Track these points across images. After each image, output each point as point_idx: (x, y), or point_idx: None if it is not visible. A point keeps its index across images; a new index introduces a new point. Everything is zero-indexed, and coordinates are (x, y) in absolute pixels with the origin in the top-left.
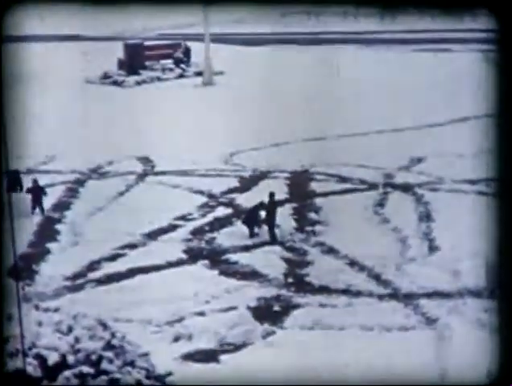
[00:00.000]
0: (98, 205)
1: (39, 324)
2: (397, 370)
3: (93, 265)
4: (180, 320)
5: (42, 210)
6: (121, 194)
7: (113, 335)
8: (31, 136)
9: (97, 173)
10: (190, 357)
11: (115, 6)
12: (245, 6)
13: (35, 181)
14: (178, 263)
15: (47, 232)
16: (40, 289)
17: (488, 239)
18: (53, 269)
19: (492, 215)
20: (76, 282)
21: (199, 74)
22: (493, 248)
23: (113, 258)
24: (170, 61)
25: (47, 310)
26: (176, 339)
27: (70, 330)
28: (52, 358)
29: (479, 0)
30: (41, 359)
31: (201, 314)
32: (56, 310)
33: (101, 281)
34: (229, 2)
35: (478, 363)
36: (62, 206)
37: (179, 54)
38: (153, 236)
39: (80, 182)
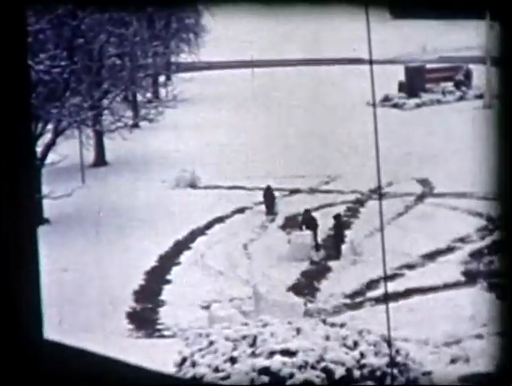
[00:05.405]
0: (377, 225)
1: (327, 338)
2: None
3: (372, 284)
4: (458, 342)
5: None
6: (400, 214)
7: (397, 352)
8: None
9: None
10: (468, 380)
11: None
12: None
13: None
14: (455, 285)
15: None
16: (321, 306)
17: None
18: (333, 287)
19: None
20: (356, 300)
21: (479, 97)
22: None
23: (391, 278)
24: (450, 84)
25: (333, 325)
26: (453, 361)
27: (355, 345)
28: (339, 372)
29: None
30: (328, 372)
31: (479, 336)
32: (342, 325)
33: (379, 300)
34: None
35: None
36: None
37: (460, 76)
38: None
39: (360, 202)
